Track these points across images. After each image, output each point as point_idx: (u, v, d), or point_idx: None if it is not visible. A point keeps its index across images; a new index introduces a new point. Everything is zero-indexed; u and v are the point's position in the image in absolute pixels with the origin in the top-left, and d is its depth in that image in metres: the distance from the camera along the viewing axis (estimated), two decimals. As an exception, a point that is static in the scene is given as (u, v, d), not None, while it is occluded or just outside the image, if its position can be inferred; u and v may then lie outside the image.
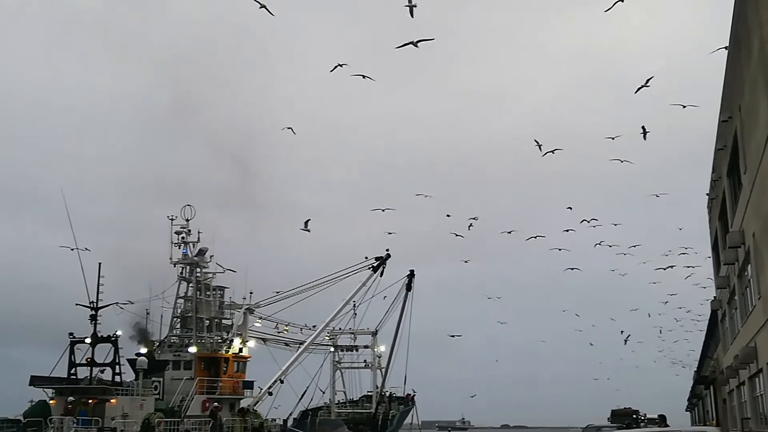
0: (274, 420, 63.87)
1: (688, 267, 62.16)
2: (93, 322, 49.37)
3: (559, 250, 68.09)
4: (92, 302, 49.61)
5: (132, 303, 56.22)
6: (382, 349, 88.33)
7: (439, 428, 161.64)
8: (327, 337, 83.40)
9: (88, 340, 49.36)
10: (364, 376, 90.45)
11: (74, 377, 49.45)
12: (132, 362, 52.33)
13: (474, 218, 60.55)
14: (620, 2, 33.86)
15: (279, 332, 71.16)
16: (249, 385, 62.43)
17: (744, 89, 27.25)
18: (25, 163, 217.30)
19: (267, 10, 33.15)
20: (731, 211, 34.64)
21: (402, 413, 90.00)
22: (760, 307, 27.67)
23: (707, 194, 44.83)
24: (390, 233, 69.33)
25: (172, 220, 59.78)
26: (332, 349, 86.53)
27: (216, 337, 61.63)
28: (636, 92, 35.09)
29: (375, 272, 77.18)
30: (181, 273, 60.56)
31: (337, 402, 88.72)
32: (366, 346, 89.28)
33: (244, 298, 66.30)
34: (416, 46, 34.40)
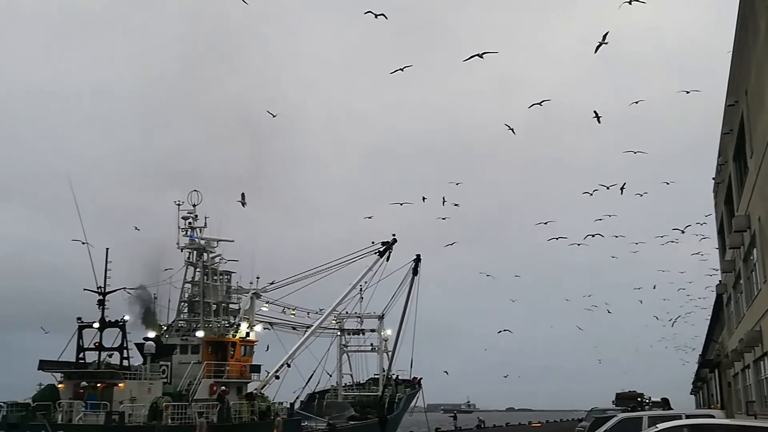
0: (281, 403, 64.23)
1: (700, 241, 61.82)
2: (101, 307, 49.65)
3: (559, 236, 67.63)
4: (100, 287, 49.86)
5: (142, 288, 56.46)
6: (389, 332, 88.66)
7: (444, 411, 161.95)
8: (334, 321, 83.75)
9: (96, 325, 49.62)
10: (371, 360, 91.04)
11: (82, 362, 49.78)
12: (140, 346, 52.63)
13: (458, 183, 60.20)
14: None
15: (286, 316, 71.39)
16: (256, 369, 62.74)
17: (750, 73, 27.20)
18: (30, 148, 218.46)
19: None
20: (737, 195, 34.63)
21: (408, 396, 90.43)
22: (765, 291, 27.73)
23: (713, 178, 44.78)
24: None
25: (179, 205, 59.97)
26: (339, 332, 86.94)
27: (223, 322, 61.89)
28: (596, 51, 34.70)
29: (381, 257, 77.33)
30: (188, 258, 60.76)
31: (343, 385, 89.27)
32: (372, 330, 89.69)
33: (251, 283, 66.56)
34: (481, 57, 35.25)
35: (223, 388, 55.34)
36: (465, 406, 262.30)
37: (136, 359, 51.96)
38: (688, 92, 40.36)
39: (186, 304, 61.36)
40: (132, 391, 48.11)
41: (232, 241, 62.44)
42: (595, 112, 41.39)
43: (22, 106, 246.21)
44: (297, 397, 74.96)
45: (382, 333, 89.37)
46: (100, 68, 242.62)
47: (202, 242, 60.70)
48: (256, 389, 61.85)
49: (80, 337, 49.68)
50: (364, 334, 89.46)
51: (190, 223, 60.20)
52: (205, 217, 60.51)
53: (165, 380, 52.27)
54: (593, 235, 61.04)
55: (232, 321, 62.74)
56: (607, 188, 49.25)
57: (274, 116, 55.23)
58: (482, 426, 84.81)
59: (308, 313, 73.58)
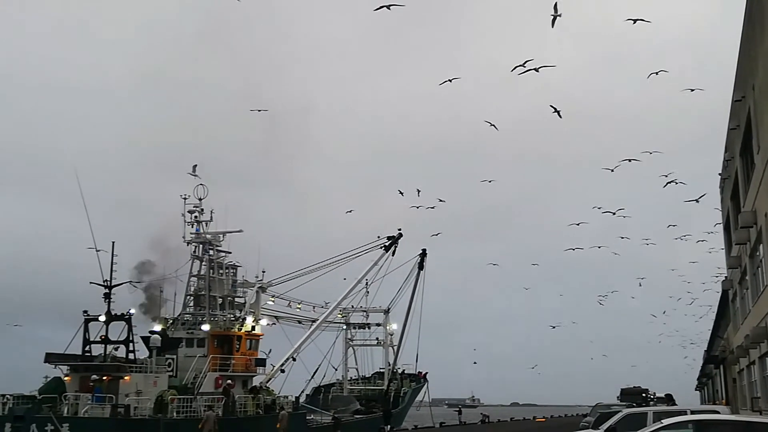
0: (286, 397, 64.38)
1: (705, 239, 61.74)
2: (107, 300, 49.76)
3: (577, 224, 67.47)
4: (106, 281, 49.98)
5: (142, 283, 56.53)
6: (394, 327, 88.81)
7: (449, 406, 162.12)
8: (339, 315, 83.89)
9: (102, 318, 49.74)
10: (376, 354, 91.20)
11: (89, 354, 49.93)
12: (145, 340, 52.74)
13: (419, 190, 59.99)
14: None
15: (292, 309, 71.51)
16: (261, 362, 62.87)
17: (758, 68, 27.12)
18: (36, 138, 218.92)
19: None
20: (743, 190, 34.56)
21: (414, 390, 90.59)
22: (771, 287, 27.69)
23: (719, 174, 44.68)
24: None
25: (185, 199, 60.01)
26: (345, 326, 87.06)
27: (229, 315, 62.02)
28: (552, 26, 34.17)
29: (387, 251, 77.46)
30: (194, 252, 60.87)
31: (349, 379, 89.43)
32: (378, 324, 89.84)
33: (257, 277, 66.66)
34: (537, 71, 35.11)
35: (229, 381, 55.51)
36: (469, 400, 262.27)
37: (142, 352, 52.11)
38: (692, 90, 40.13)
39: (192, 298, 61.49)
40: (138, 384, 48.23)
41: (240, 231, 62.37)
42: (552, 106, 41.05)
43: (32, 95, 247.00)
44: (302, 391, 75.18)
45: (388, 327, 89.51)
46: (106, 58, 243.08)
47: (208, 236, 60.76)
48: (261, 383, 62.01)
49: (86, 330, 49.80)
50: (369, 328, 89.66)
51: (196, 216, 60.27)
52: (211, 211, 60.61)
53: (171, 373, 52.37)
54: (599, 247, 61.22)
55: (238, 315, 62.86)
56: (611, 171, 48.49)
57: (260, 111, 54.95)
58: (486, 421, 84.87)
59: (314, 307, 73.79)
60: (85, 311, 49.87)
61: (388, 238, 77.37)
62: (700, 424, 19.91)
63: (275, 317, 70.53)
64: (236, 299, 64.38)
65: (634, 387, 73.20)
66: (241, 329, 60.55)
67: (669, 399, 62.89)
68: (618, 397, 69.16)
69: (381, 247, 76.84)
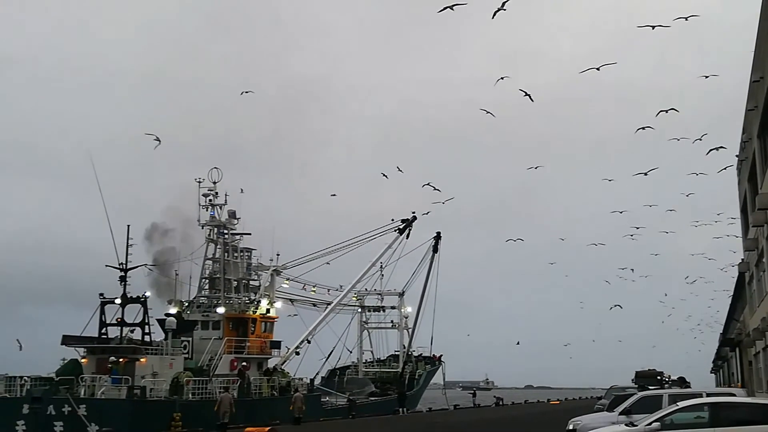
0: (301, 379, 64.72)
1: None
2: (122, 283, 49.98)
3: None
4: (121, 264, 50.17)
5: (157, 266, 56.67)
6: (409, 309, 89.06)
7: (463, 389, 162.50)
8: (354, 298, 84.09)
9: (118, 301, 49.96)
10: (391, 337, 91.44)
11: (105, 337, 50.23)
12: (161, 322, 53.02)
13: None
14: None
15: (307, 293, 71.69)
16: (276, 344, 63.13)
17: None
18: (49, 124, 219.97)
19: None
20: (761, 172, 34.23)
21: (428, 373, 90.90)
22: (788, 270, 27.48)
23: (737, 155, 44.28)
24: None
25: (199, 182, 60.10)
26: (359, 309, 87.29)
27: (244, 298, 62.25)
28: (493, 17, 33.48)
29: (401, 234, 77.52)
30: (209, 235, 61.02)
31: (364, 361, 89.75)
32: (393, 307, 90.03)
33: (271, 260, 66.89)
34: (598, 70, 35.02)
35: (244, 363, 55.79)
36: (483, 383, 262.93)
37: (158, 335, 52.40)
38: (707, 77, 39.62)
39: (207, 281, 61.74)
40: (154, 366, 48.53)
41: (249, 234, 62.61)
42: (523, 90, 40.80)
43: (46, 80, 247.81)
44: (317, 373, 75.56)
45: (403, 310, 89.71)
46: (119, 43, 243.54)
47: (223, 219, 60.90)
48: (276, 365, 62.33)
49: (102, 312, 50.04)
50: (384, 311, 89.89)
51: (210, 200, 60.39)
52: (225, 194, 60.70)
53: (186, 356, 52.66)
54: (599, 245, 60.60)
55: (253, 297, 63.10)
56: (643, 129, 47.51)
57: (244, 93, 54.69)
58: (500, 404, 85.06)
59: (328, 290, 74.00)
60: (101, 294, 50.10)
61: (402, 221, 77.39)
62: (716, 407, 19.83)
63: (290, 300, 70.81)
64: (251, 282, 64.62)
65: (649, 370, 72.94)
66: (255, 312, 60.77)
67: (682, 382, 62.69)
68: (633, 380, 68.99)
69: (395, 230, 76.90)
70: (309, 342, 69.26)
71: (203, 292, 61.48)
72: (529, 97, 40.18)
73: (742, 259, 45.59)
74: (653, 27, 33.90)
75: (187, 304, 59.48)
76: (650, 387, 46.84)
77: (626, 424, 21.25)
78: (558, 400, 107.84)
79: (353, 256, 73.22)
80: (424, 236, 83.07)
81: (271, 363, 62.17)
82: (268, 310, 62.58)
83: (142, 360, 48.41)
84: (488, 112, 44.16)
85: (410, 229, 78.23)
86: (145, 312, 50.69)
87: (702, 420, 19.44)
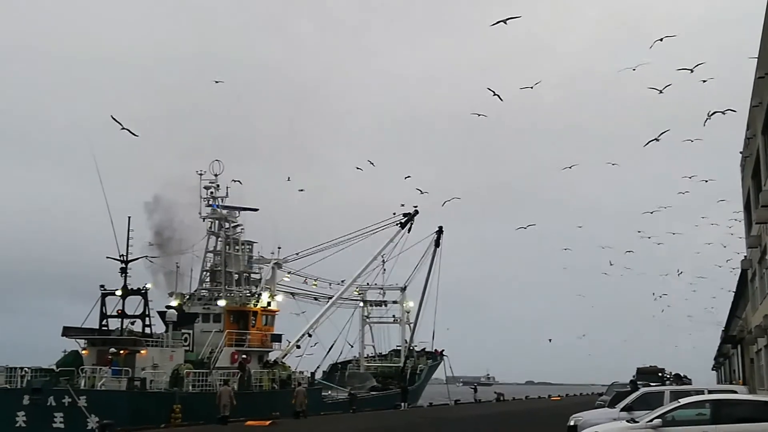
0: (302, 372, 64.72)
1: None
2: (123, 274, 49.95)
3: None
4: (122, 255, 50.13)
5: (158, 257, 56.64)
6: (411, 304, 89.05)
7: (463, 384, 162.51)
8: (356, 292, 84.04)
9: (118, 293, 49.96)
10: (393, 331, 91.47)
11: (105, 328, 50.22)
12: (162, 314, 53.02)
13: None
14: None
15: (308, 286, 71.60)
16: (277, 338, 63.12)
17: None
18: (51, 112, 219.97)
19: None
20: (765, 169, 34.06)
21: (430, 368, 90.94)
22: (791, 267, 27.33)
23: (740, 152, 44.10)
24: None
25: (201, 175, 59.98)
26: (361, 304, 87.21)
27: (245, 291, 62.22)
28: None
29: (403, 228, 77.42)
30: (210, 228, 60.94)
31: (366, 356, 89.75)
32: (395, 302, 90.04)
33: (273, 253, 66.83)
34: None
35: (244, 356, 55.76)
36: (484, 378, 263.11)
37: (159, 327, 52.39)
38: (704, 81, 39.32)
39: (208, 274, 61.69)
40: (154, 357, 48.56)
41: (257, 210, 62.28)
42: (490, 89, 41.60)
43: (51, 69, 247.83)
44: (318, 366, 75.59)
45: (405, 304, 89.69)
46: (140, 33, 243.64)
47: (224, 212, 60.79)
48: (277, 358, 62.35)
49: (103, 304, 50.07)
50: (386, 305, 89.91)
51: (211, 192, 60.27)
52: (227, 187, 60.57)
53: (187, 348, 52.67)
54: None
55: (254, 290, 63.05)
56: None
57: (217, 82, 54.45)
58: (501, 399, 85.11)
59: (330, 284, 73.93)
60: (102, 286, 50.11)
61: (404, 215, 77.28)
62: (718, 404, 19.75)
63: (291, 293, 70.74)
64: (252, 275, 64.55)
65: (651, 366, 72.94)
66: (256, 305, 60.73)
67: (678, 378, 62.70)
68: (634, 377, 68.95)
69: (397, 224, 76.80)
70: (310, 336, 69.31)
71: (204, 285, 61.44)
72: (498, 97, 41.49)
73: (745, 256, 45.43)
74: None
75: (188, 296, 59.45)
76: (652, 384, 46.79)
77: (627, 421, 21.17)
78: (559, 396, 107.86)
79: (355, 250, 73.21)
80: (428, 230, 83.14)
81: (272, 356, 62.23)
82: (269, 304, 62.53)
83: (142, 352, 48.42)
84: (495, 94, 44.25)
85: (412, 223, 78.18)
86: (146, 304, 50.72)
87: (703, 417, 19.37)
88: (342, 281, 74.79)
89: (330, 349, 77.60)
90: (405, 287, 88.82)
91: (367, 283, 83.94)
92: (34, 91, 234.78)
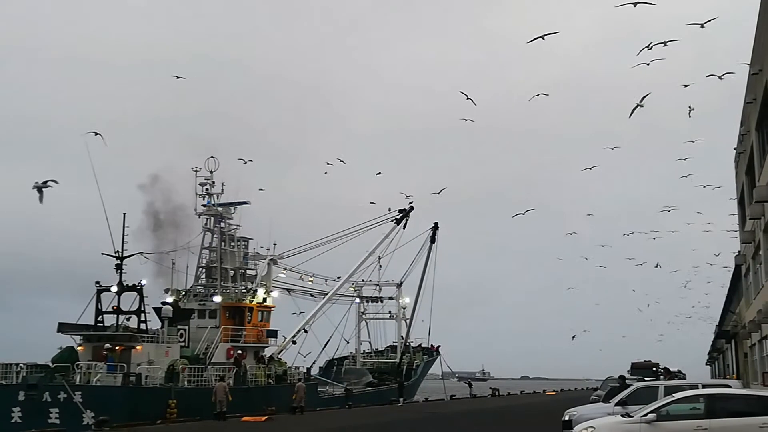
0: (298, 368, 64.80)
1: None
2: (118, 271, 49.95)
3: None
4: (117, 252, 50.11)
5: (153, 254, 56.59)
6: (407, 300, 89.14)
7: (459, 379, 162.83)
8: (352, 289, 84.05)
9: (114, 289, 49.95)
10: (389, 327, 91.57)
11: (101, 325, 50.22)
12: (157, 311, 53.01)
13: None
14: None
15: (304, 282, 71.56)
16: (273, 333, 63.16)
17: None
18: (51, 110, 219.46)
19: None
20: (759, 165, 34.20)
21: (426, 363, 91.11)
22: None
23: (735, 148, 44.26)
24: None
25: (196, 171, 59.98)
26: (357, 300, 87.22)
27: (240, 287, 62.25)
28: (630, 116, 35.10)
29: (398, 224, 77.43)
30: (206, 224, 60.99)
31: (362, 352, 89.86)
32: (391, 298, 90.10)
33: (268, 249, 66.83)
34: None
35: (240, 352, 55.79)
36: (480, 374, 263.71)
37: (155, 323, 52.36)
38: (721, 77, 39.13)
39: (204, 270, 61.72)
40: (149, 353, 48.57)
41: (248, 203, 62.22)
42: (463, 92, 42.39)
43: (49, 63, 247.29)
44: (314, 362, 75.68)
45: (400, 300, 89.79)
46: (141, 30, 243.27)
47: (219, 208, 60.78)
48: (273, 354, 62.43)
49: (98, 300, 50.07)
50: (382, 301, 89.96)
51: (207, 189, 60.29)
52: (222, 184, 60.59)
53: (183, 344, 52.70)
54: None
55: (249, 287, 63.07)
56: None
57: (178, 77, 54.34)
58: (496, 394, 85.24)
59: (326, 280, 73.94)
60: (98, 282, 50.11)
61: (400, 211, 77.27)
62: (712, 398, 19.84)
63: (287, 290, 70.74)
64: (248, 271, 64.57)
65: (645, 361, 73.17)
66: (252, 301, 60.75)
67: (667, 372, 62.86)
68: (628, 372, 69.13)
69: (392, 220, 76.81)
70: (306, 332, 69.42)
71: (200, 281, 61.47)
72: (472, 101, 42.11)
73: (739, 252, 45.63)
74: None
75: (183, 292, 59.48)
76: (646, 378, 46.92)
77: (622, 415, 21.26)
78: (554, 390, 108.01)
79: (351, 246, 73.22)
80: (424, 226, 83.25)
81: (268, 352, 62.29)
82: (264, 300, 62.57)
83: (138, 348, 48.43)
84: (468, 98, 44.65)
85: (407, 219, 78.18)
86: (141, 300, 50.72)
87: (697, 411, 19.46)
88: (338, 278, 74.85)
89: (326, 345, 77.73)
90: (401, 283, 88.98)
91: (363, 280, 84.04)
92: (33, 90, 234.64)
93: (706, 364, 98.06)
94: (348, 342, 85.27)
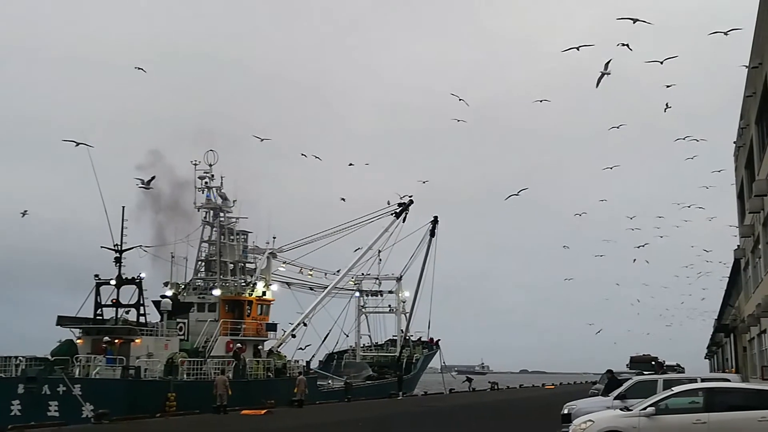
0: (297, 362, 64.85)
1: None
2: (118, 264, 49.92)
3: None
4: (116, 245, 50.06)
5: (152, 247, 56.56)
6: (407, 294, 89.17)
7: (458, 373, 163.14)
8: (352, 282, 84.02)
9: (113, 282, 49.94)
10: (389, 321, 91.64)
11: (100, 318, 50.21)
12: (157, 304, 53.03)
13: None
14: None
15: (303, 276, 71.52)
16: (272, 327, 63.18)
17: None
18: (49, 104, 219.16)
19: None
20: (758, 159, 34.18)
21: (426, 357, 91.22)
22: (784, 256, 27.45)
23: (734, 142, 44.23)
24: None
25: (195, 165, 59.88)
26: (357, 294, 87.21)
27: (240, 281, 62.24)
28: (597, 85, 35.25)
29: (398, 218, 77.36)
30: (205, 217, 60.91)
31: (362, 346, 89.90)
32: (390, 292, 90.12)
33: (268, 243, 66.79)
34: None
35: (239, 345, 55.82)
36: (479, 367, 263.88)
37: (154, 316, 52.40)
38: (727, 33, 38.83)
39: (203, 263, 61.68)
40: (149, 346, 48.59)
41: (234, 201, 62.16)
42: (454, 94, 43.54)
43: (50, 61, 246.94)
44: (313, 356, 75.73)
45: (400, 294, 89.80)
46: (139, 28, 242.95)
47: (219, 202, 60.71)
48: (272, 347, 62.47)
49: (98, 293, 50.05)
50: (382, 295, 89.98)
51: (206, 182, 60.21)
52: (221, 177, 60.49)
53: (182, 337, 52.73)
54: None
55: (249, 280, 63.05)
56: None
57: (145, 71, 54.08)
58: (495, 388, 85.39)
59: (326, 273, 73.94)
60: (97, 275, 50.07)
61: (399, 204, 77.20)
62: (711, 392, 19.84)
63: (287, 283, 70.73)
64: (247, 265, 64.53)
65: (644, 355, 73.35)
66: (251, 294, 60.76)
67: (659, 366, 62.99)
68: (627, 365, 69.26)
69: (392, 214, 76.74)
70: (305, 325, 69.46)
71: (199, 275, 61.45)
72: (465, 102, 42.62)
73: (738, 246, 45.63)
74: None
75: (183, 286, 59.46)
76: (645, 372, 46.97)
77: (621, 409, 21.26)
78: (553, 384, 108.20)
79: (350, 240, 73.19)
80: (423, 221, 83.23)
81: (267, 345, 62.33)
82: (264, 293, 62.57)
83: (137, 341, 48.43)
84: (461, 99, 45.23)
85: (407, 213, 78.12)
86: (140, 293, 50.67)
87: (696, 405, 19.46)
88: (337, 271, 74.83)
89: (325, 338, 77.76)
90: (401, 277, 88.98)
91: (363, 273, 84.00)
92: (33, 90, 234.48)
93: (705, 358, 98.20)
94: (348, 336, 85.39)
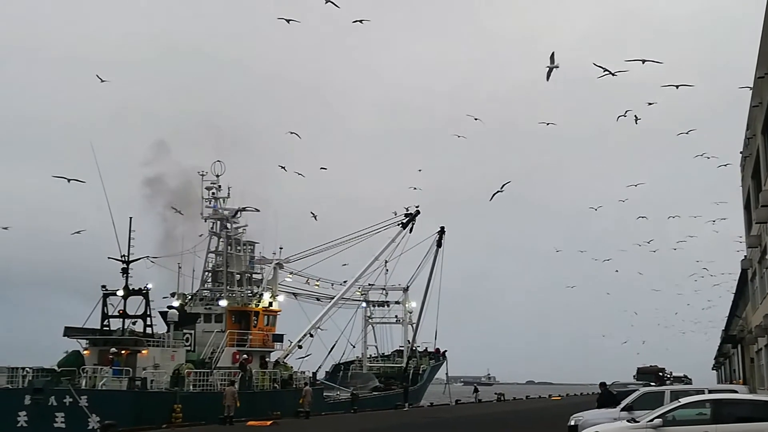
0: (303, 372, 64.76)
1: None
2: (125, 275, 49.98)
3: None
4: (123, 256, 50.13)
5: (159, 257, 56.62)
6: (413, 304, 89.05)
7: (464, 384, 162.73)
8: (358, 293, 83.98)
9: (120, 293, 49.97)
10: (395, 332, 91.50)
11: (107, 329, 50.23)
12: (163, 315, 53.05)
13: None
14: None
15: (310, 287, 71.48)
16: (279, 338, 63.16)
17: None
18: (54, 109, 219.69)
19: None
20: (765, 169, 34.10)
21: (432, 368, 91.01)
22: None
23: (741, 152, 44.15)
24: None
25: (202, 175, 60.01)
26: (364, 304, 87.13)
27: (246, 291, 62.22)
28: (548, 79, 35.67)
29: (404, 228, 77.31)
30: (212, 228, 60.98)
31: (368, 356, 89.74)
32: (397, 302, 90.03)
33: (274, 253, 66.77)
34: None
35: (246, 356, 55.77)
36: (485, 378, 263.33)
37: (161, 327, 52.39)
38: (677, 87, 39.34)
39: (210, 274, 61.70)
40: (155, 357, 48.56)
41: (257, 210, 62.21)
42: (470, 115, 43.36)
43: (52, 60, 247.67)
44: (319, 366, 75.66)
45: (407, 305, 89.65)
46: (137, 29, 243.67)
47: (225, 212, 60.80)
48: (278, 358, 62.43)
49: (105, 304, 50.06)
50: (388, 305, 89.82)
51: (213, 193, 60.31)
52: (228, 188, 60.60)
53: (188, 348, 52.71)
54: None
55: (255, 291, 63.05)
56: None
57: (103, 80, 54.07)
58: (501, 399, 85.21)
59: (332, 284, 73.87)
60: (104, 286, 50.10)
61: (406, 215, 77.18)
62: (718, 404, 19.77)
63: (293, 294, 70.70)
64: (254, 275, 64.55)
65: (651, 366, 73.09)
66: (258, 305, 60.76)
67: (659, 378, 62.74)
68: (634, 376, 69.03)
69: (398, 224, 76.72)
70: (312, 336, 69.37)
71: (206, 285, 61.46)
72: (480, 120, 43.25)
73: (745, 256, 45.46)
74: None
75: (189, 297, 59.50)
76: (651, 383, 46.85)
77: (628, 420, 21.19)
78: (559, 396, 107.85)
79: (357, 250, 73.12)
80: (429, 228, 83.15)
81: (274, 356, 62.30)
82: (270, 304, 62.55)
83: (143, 352, 48.40)
84: (476, 119, 45.46)
85: (413, 224, 78.08)
86: (147, 304, 50.68)
87: (704, 417, 19.39)
88: (344, 282, 74.78)
89: (332, 348, 77.71)
90: (407, 287, 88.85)
91: (369, 284, 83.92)
92: (33, 90, 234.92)
93: (713, 369, 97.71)
94: (354, 346, 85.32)
